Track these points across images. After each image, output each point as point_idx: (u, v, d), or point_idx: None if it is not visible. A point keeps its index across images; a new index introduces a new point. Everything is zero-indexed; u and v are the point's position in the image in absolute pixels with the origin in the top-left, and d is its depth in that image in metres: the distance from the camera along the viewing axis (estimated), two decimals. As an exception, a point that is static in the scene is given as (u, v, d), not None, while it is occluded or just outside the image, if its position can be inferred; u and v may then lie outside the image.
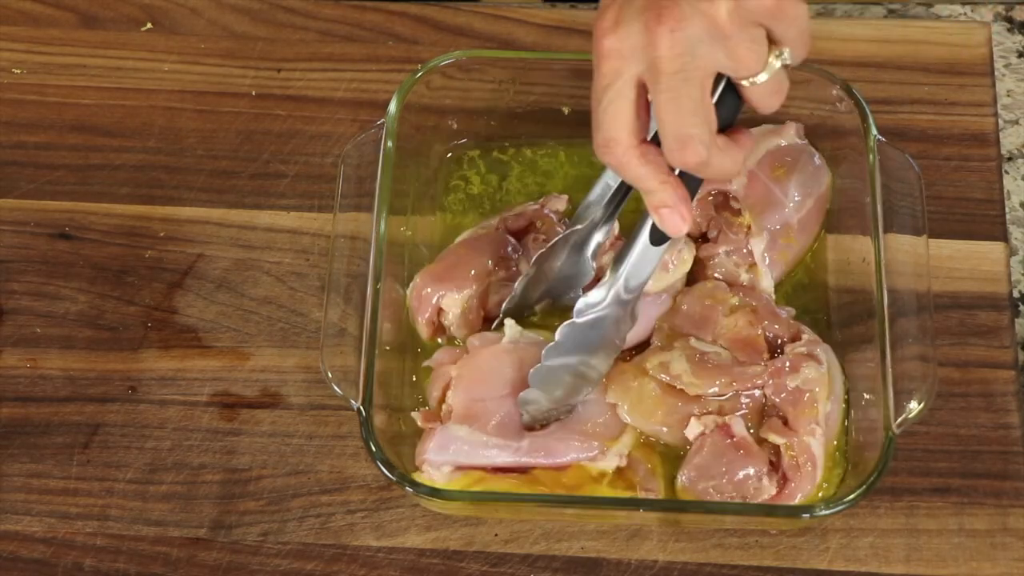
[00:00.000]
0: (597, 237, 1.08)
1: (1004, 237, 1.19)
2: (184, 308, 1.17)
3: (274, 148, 1.24)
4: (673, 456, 1.07)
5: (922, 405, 1.02)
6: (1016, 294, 1.17)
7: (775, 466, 1.05)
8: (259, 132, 1.25)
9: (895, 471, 1.09)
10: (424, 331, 1.12)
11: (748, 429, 1.05)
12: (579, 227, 1.07)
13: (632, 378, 1.08)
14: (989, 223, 1.19)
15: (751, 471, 1.04)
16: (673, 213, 0.93)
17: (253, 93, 1.26)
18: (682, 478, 1.05)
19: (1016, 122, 1.25)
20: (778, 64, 0.91)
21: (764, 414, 1.07)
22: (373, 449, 1.02)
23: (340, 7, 1.31)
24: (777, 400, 1.06)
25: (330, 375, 1.04)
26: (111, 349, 1.15)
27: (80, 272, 1.19)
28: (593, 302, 1.02)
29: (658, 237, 0.98)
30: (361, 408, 1.03)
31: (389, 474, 1.01)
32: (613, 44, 0.89)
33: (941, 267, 1.16)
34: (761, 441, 1.05)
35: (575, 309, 1.02)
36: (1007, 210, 1.20)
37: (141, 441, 1.12)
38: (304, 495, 1.09)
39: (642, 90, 0.90)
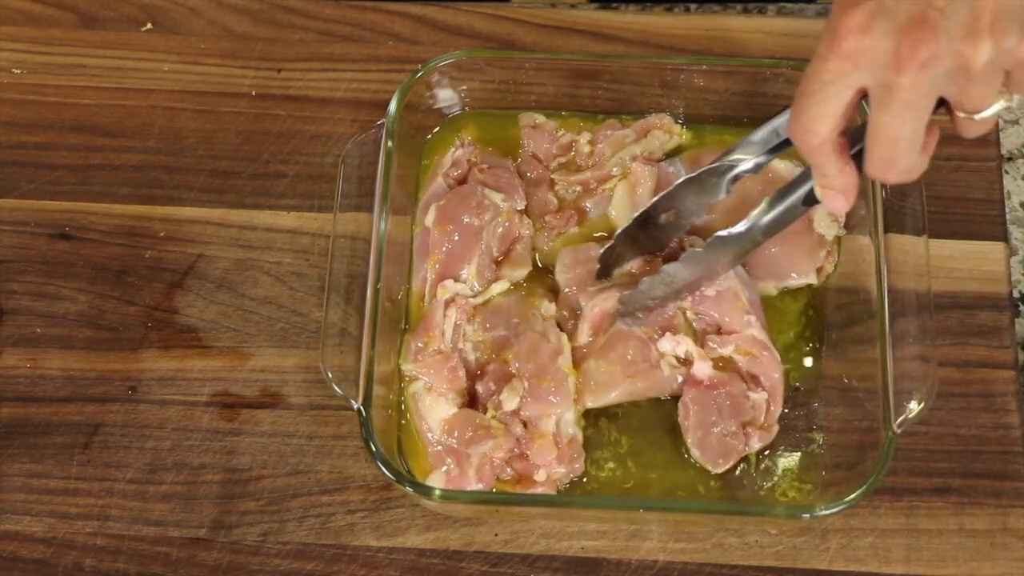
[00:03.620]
0: (743, 168, 1.05)
1: (1004, 237, 1.19)
2: (184, 308, 1.17)
3: (274, 148, 1.24)
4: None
5: (922, 405, 1.02)
6: (1016, 294, 1.17)
7: (744, 376, 1.08)
8: (259, 132, 1.24)
9: (895, 471, 1.09)
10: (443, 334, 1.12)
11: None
12: (731, 159, 1.05)
13: (581, 375, 1.09)
14: (989, 223, 1.19)
15: (736, 394, 1.07)
16: (839, 196, 0.94)
17: (253, 93, 1.26)
18: (693, 449, 1.07)
19: (1016, 122, 1.25)
20: (1001, 106, 0.88)
21: (698, 339, 1.10)
22: (373, 449, 1.02)
23: (340, 7, 1.31)
24: (704, 316, 1.10)
25: (330, 375, 1.04)
26: (111, 349, 1.15)
27: (80, 272, 1.19)
28: (733, 233, 1.03)
29: (811, 200, 0.99)
30: (361, 408, 1.03)
31: (389, 474, 1.01)
32: (854, 48, 0.84)
33: (941, 267, 1.16)
34: (720, 367, 1.09)
35: (711, 239, 1.04)
36: (1007, 210, 1.20)
37: (141, 441, 1.12)
38: (304, 495, 1.09)
39: (858, 95, 0.87)
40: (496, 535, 1.08)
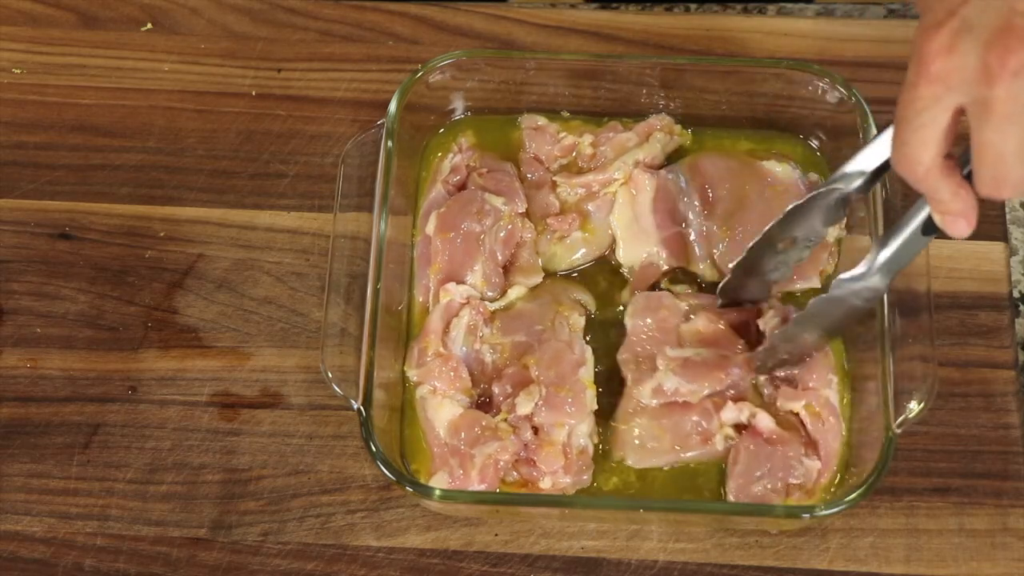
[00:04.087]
0: (852, 187, 1.02)
1: (1004, 237, 1.19)
2: (184, 308, 1.17)
3: (274, 148, 1.24)
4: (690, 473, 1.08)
5: (922, 405, 1.02)
6: (1016, 294, 1.17)
7: (807, 440, 1.06)
8: (259, 132, 1.24)
9: (895, 471, 1.09)
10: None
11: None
12: (836, 185, 1.02)
13: (627, 430, 1.08)
14: (989, 223, 1.19)
15: (791, 455, 1.05)
16: (959, 220, 0.91)
17: (253, 93, 1.26)
18: (731, 493, 1.05)
19: (1016, 122, 1.25)
20: None
21: (774, 387, 1.08)
22: (373, 449, 1.02)
23: (340, 7, 1.31)
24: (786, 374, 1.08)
25: (330, 375, 1.04)
26: (111, 349, 1.15)
27: (80, 272, 1.19)
28: (855, 275, 1.00)
29: (930, 229, 0.96)
30: (361, 408, 1.03)
31: (389, 474, 1.01)
32: (942, 69, 0.83)
33: (941, 267, 1.16)
34: (786, 425, 1.06)
35: (833, 282, 1.01)
36: (1007, 210, 1.20)
37: (141, 441, 1.12)
38: (304, 495, 1.09)
39: (957, 115, 0.85)
40: (496, 535, 1.08)
